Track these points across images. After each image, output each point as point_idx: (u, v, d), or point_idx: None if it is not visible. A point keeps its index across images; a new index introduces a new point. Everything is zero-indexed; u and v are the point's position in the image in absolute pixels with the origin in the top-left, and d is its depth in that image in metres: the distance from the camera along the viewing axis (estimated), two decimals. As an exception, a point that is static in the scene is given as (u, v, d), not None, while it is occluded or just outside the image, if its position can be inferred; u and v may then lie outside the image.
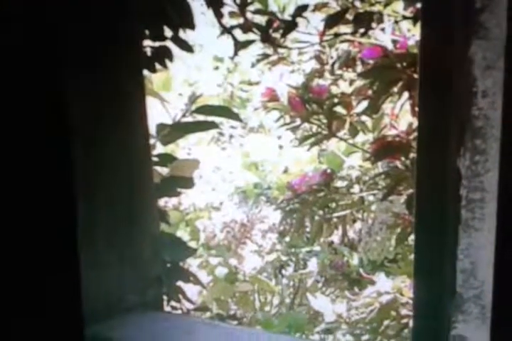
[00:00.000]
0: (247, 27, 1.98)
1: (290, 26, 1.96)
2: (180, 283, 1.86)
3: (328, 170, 2.50)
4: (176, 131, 1.86)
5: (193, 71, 3.80)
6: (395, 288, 2.21)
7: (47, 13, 0.79)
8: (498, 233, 1.06)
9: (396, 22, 1.95)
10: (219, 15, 1.81)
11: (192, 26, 1.75)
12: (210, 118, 1.88)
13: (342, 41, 2.18)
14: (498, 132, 1.09)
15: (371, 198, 2.53)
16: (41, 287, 0.78)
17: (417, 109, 1.31)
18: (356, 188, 2.51)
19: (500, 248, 1.05)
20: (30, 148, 0.79)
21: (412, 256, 1.64)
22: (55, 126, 0.81)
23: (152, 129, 1.78)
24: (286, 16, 2.03)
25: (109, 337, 1.50)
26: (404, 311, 2.19)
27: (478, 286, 1.18)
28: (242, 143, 4.07)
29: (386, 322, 2.27)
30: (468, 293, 1.19)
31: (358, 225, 2.84)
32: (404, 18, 1.94)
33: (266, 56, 2.42)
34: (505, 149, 1.03)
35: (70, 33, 1.39)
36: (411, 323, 1.43)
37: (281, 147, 3.82)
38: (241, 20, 1.99)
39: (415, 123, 1.78)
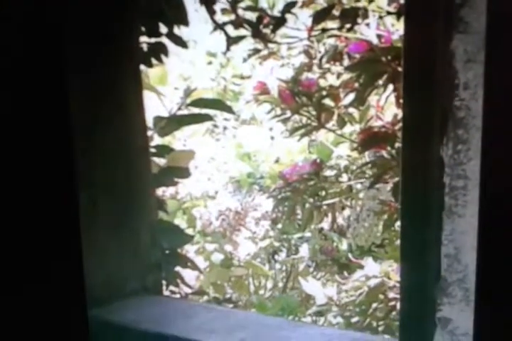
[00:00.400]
0: (238, 23, 1.98)
1: (279, 22, 1.95)
2: (178, 269, 1.86)
3: (318, 160, 2.50)
4: (172, 123, 1.86)
5: (188, 66, 3.79)
6: (382, 272, 2.22)
7: (47, 11, 0.78)
8: (480, 219, 1.06)
9: (380, 17, 1.94)
10: (211, 12, 1.81)
11: (186, 23, 1.75)
12: (204, 111, 1.88)
13: (329, 36, 2.17)
14: (480, 122, 1.09)
15: (359, 186, 2.53)
16: (46, 273, 0.78)
17: (401, 100, 1.31)
18: (344, 177, 2.51)
19: (483, 233, 1.05)
20: (33, 140, 0.79)
21: (398, 242, 1.65)
22: (56, 117, 0.80)
23: (149, 122, 1.78)
24: (276, 12, 2.03)
25: (111, 320, 1.50)
26: (391, 294, 2.19)
27: (462, 270, 1.18)
28: (235, 135, 4.07)
29: (374, 305, 2.27)
30: (453, 276, 1.19)
31: (346, 212, 2.84)
32: (389, 13, 1.94)
33: (257, 51, 2.42)
34: (487, 138, 1.02)
35: (69, 30, 1.39)
36: (398, 306, 1.43)
37: (272, 138, 3.81)
38: (232, 17, 1.99)
39: (400, 115, 1.78)
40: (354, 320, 2.35)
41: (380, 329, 2.29)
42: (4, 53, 0.74)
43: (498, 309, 1.03)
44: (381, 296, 2.22)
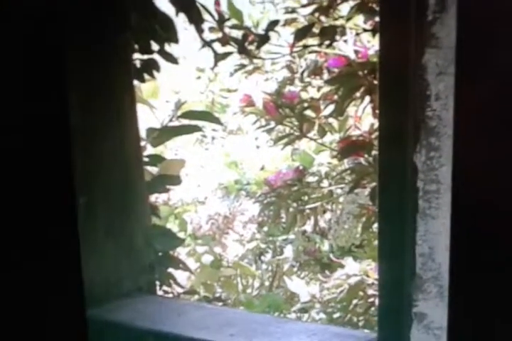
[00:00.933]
0: (225, 40, 1.98)
1: (263, 39, 1.96)
2: (170, 270, 1.85)
3: (301, 167, 2.51)
4: (164, 134, 1.86)
5: (178, 80, 3.78)
6: (361, 270, 2.22)
7: (47, 33, 0.78)
8: (452, 220, 1.06)
9: (357, 34, 1.95)
10: (200, 31, 1.81)
11: (176, 40, 1.75)
12: (194, 122, 1.88)
13: (310, 52, 2.18)
14: (451, 130, 1.09)
15: (339, 191, 2.53)
16: (45, 274, 0.77)
17: (377, 111, 1.31)
18: (325, 183, 2.51)
19: (455, 234, 1.05)
20: (35, 148, 0.79)
21: (376, 242, 1.64)
22: (57, 127, 0.80)
23: (143, 132, 1.77)
24: (260, 30, 2.03)
25: (107, 318, 1.49)
26: (370, 291, 2.19)
27: (436, 268, 1.18)
28: (223, 144, 4.07)
29: (355, 301, 2.27)
30: (427, 274, 1.19)
31: (327, 215, 2.84)
32: (365, 30, 1.95)
33: (242, 66, 2.42)
34: (457, 146, 1.02)
35: (69, 48, 1.38)
36: (377, 302, 1.43)
37: (258, 147, 3.81)
38: (219, 35, 1.99)
39: (376, 124, 1.78)
40: (336, 315, 2.34)
41: (360, 324, 2.29)
42: (7, 70, 0.74)
43: (470, 304, 1.03)
44: (361, 293, 2.22)
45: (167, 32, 1.72)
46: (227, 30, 2.00)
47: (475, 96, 0.92)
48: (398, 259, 1.21)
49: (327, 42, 1.97)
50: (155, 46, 1.75)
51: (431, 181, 1.17)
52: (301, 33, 1.97)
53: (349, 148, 2.03)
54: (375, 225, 2.16)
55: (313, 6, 1.98)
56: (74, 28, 1.43)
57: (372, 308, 2.18)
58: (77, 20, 1.45)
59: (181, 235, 2.78)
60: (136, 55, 1.73)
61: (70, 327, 0.79)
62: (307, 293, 2.52)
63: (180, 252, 2.73)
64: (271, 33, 1.94)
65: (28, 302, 0.77)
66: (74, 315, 0.78)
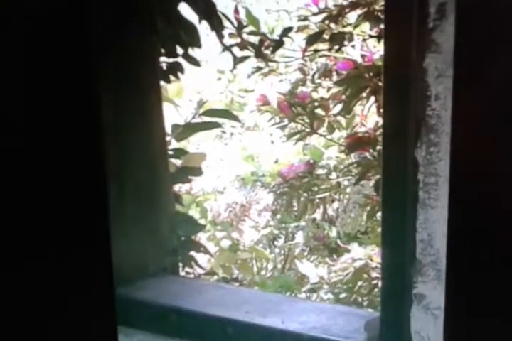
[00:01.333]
0: (243, 45, 1.98)
1: (278, 44, 1.95)
2: (192, 253, 1.86)
3: (311, 161, 2.50)
4: (187, 130, 1.86)
5: (200, 81, 3.78)
6: (366, 255, 2.21)
7: (80, 37, 0.78)
8: (449, 210, 1.05)
9: (364, 40, 1.94)
10: (220, 37, 1.81)
11: (199, 45, 1.75)
12: (214, 120, 1.88)
13: (320, 56, 2.17)
14: (449, 128, 1.08)
15: (346, 183, 2.52)
16: (79, 256, 0.78)
17: (381, 110, 1.30)
18: (334, 175, 2.51)
19: (452, 222, 1.04)
20: (73, 141, 0.79)
21: (379, 229, 1.64)
22: (91, 123, 0.80)
23: (168, 129, 1.78)
24: (275, 36, 2.02)
25: (135, 297, 1.50)
26: (374, 274, 2.19)
27: (434, 253, 1.18)
28: (240, 139, 4.06)
29: (359, 283, 2.26)
30: (426, 259, 1.18)
31: (335, 204, 2.83)
32: (371, 36, 1.93)
33: (259, 69, 2.42)
34: (455, 142, 1.02)
35: (103, 53, 1.39)
36: (380, 284, 1.42)
37: (272, 142, 3.81)
38: (238, 40, 1.98)
39: (380, 122, 1.77)
40: (342, 296, 2.34)
41: (365, 304, 2.28)
42: (43, 72, 0.74)
43: (466, 287, 1.02)
44: (365, 276, 2.21)
45: (191, 37, 1.72)
46: (245, 36, 2.00)
47: (471, 96, 0.91)
48: (400, 245, 1.21)
49: (336, 47, 1.96)
50: (180, 50, 1.75)
51: (430, 174, 1.16)
52: (313, 39, 1.97)
53: (355, 143, 2.03)
54: (379, 214, 2.15)
55: (324, 15, 1.97)
56: (105, 32, 1.43)
57: (376, 289, 2.18)
58: (109, 26, 1.45)
59: (202, 221, 2.79)
60: (163, 59, 1.73)
61: (101, 304, 0.80)
62: (316, 275, 2.52)
63: (201, 237, 2.74)
64: (285, 39, 1.93)
65: (66, 281, 0.77)
66: (104, 293, 0.79)
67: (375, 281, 2.16)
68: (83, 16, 0.76)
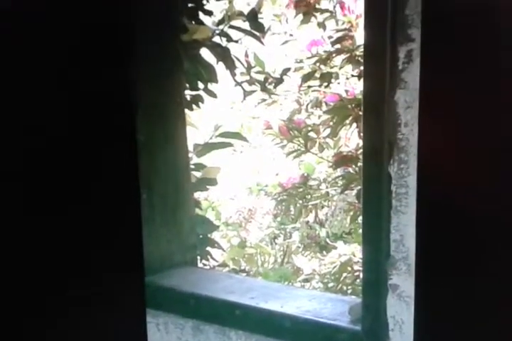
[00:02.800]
0: (251, 82, 1.99)
1: (279, 81, 1.97)
2: (208, 248, 1.85)
3: (305, 174, 2.50)
4: (205, 148, 1.87)
5: (217, 109, 3.80)
6: (350, 251, 2.20)
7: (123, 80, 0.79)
8: (417, 215, 1.05)
9: (347, 78, 1.95)
10: (233, 74, 1.82)
11: (216, 81, 1.77)
12: (227, 140, 1.89)
13: (313, 91, 2.18)
14: (415, 149, 1.09)
15: (333, 192, 2.52)
16: (116, 250, 0.78)
17: (361, 134, 1.31)
18: (323, 186, 2.50)
19: (419, 225, 1.04)
20: (113, 156, 0.80)
21: (360, 231, 1.63)
22: (128, 142, 0.81)
23: (190, 147, 1.79)
24: (277, 75, 2.04)
25: (161, 284, 1.49)
26: (356, 267, 2.17)
27: (405, 251, 1.17)
28: (248, 156, 4.07)
29: (344, 274, 2.25)
30: (399, 255, 1.18)
31: (325, 210, 2.82)
32: (353, 76, 1.95)
33: (264, 100, 2.43)
34: (420, 160, 1.02)
35: (140, 90, 1.40)
36: (361, 275, 1.41)
37: (274, 159, 3.81)
38: (247, 78, 2.00)
39: (361, 144, 1.78)
40: (330, 285, 2.32)
41: (349, 291, 2.27)
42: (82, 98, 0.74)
43: (432, 278, 1.02)
44: (349, 268, 2.20)
45: (210, 75, 1.74)
46: (253, 74, 2.02)
47: (433, 124, 0.92)
48: (377, 244, 1.20)
49: (325, 83, 1.98)
50: (201, 85, 1.76)
51: (401, 186, 1.16)
52: (307, 77, 1.98)
53: (341, 160, 2.03)
54: (360, 218, 2.14)
55: (315, 58, 1.99)
56: (145, 71, 1.45)
57: (358, 280, 2.16)
58: (148, 67, 1.47)
59: (216, 223, 2.79)
60: (187, 92, 1.75)
61: (133, 289, 0.80)
62: (309, 267, 2.51)
63: (216, 235, 2.73)
64: (284, 77, 1.95)
65: (109, 270, 0.78)
66: (136, 280, 0.79)
67: (357, 273, 2.15)
68: (128, 62, 0.77)
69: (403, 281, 1.18)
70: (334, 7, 1.90)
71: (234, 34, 1.80)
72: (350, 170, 2.00)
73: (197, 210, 1.81)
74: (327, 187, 2.47)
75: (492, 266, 0.96)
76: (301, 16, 1.95)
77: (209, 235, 1.90)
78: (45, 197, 0.68)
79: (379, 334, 1.21)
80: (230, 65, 1.78)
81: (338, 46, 1.91)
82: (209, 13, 1.73)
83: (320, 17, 1.94)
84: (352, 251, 2.18)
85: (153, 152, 1.54)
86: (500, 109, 0.82)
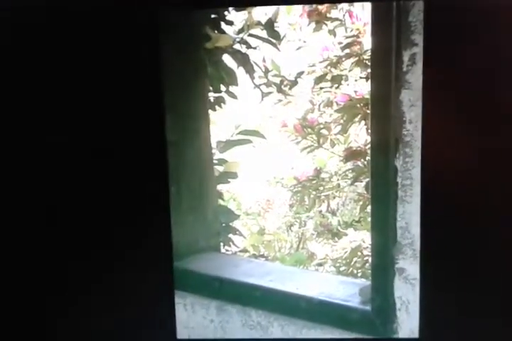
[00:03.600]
0: (268, 84, 1.99)
1: (293, 83, 1.96)
2: (230, 235, 1.86)
3: (318, 168, 2.49)
4: (227, 145, 1.87)
5: (237, 110, 3.79)
6: (360, 238, 2.19)
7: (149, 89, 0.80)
8: (421, 204, 1.05)
9: (356, 80, 1.94)
10: (252, 78, 1.82)
11: (237, 84, 1.77)
12: (247, 138, 1.89)
13: (324, 92, 2.16)
14: (419, 144, 1.08)
15: (344, 184, 2.50)
16: (149, 237, 0.80)
17: (369, 131, 1.30)
18: (334, 178, 2.49)
19: (423, 213, 1.03)
20: (146, 154, 0.81)
21: (369, 219, 1.62)
22: (157, 141, 0.82)
23: (214, 144, 1.79)
24: (291, 78, 2.03)
25: (187, 268, 1.50)
26: (365, 252, 2.16)
27: (411, 237, 1.17)
28: (266, 152, 4.05)
29: (355, 259, 2.23)
30: (405, 241, 1.17)
31: (336, 200, 2.80)
32: (361, 78, 1.93)
33: (280, 100, 2.42)
34: (424, 154, 1.01)
35: (167, 97, 1.41)
36: (370, 260, 1.41)
37: (289, 154, 3.79)
38: (265, 80, 1.99)
39: (369, 139, 1.76)
40: (342, 269, 2.31)
41: (359, 275, 2.25)
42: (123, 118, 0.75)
43: (435, 262, 1.01)
44: (359, 253, 2.19)
45: (231, 79, 1.75)
46: (270, 77, 2.02)
47: (435, 121, 0.91)
48: (384, 231, 1.20)
49: (336, 85, 1.96)
50: (223, 88, 1.77)
51: (406, 178, 1.16)
52: (319, 80, 1.97)
53: (351, 155, 2.02)
54: (369, 207, 2.13)
55: (327, 62, 1.98)
56: (172, 76, 1.45)
57: (367, 264, 2.15)
58: (175, 72, 1.47)
59: (237, 212, 2.79)
60: (211, 94, 1.76)
61: (162, 273, 0.81)
62: (322, 253, 2.50)
63: (237, 224, 2.74)
64: (299, 79, 1.94)
65: (143, 257, 0.79)
66: (165, 265, 0.80)
67: (366, 258, 2.13)
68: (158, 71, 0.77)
69: (409, 265, 1.18)
70: (343, 16, 1.88)
71: (253, 41, 1.80)
72: (359, 163, 1.99)
73: (220, 201, 1.82)
74: (338, 180, 2.45)
75: (492, 249, 0.95)
76: (313, 24, 1.94)
77: (231, 223, 1.90)
78: (94, 188, 0.69)
79: (387, 314, 1.21)
80: (249, 70, 1.79)
81: (347, 51, 1.90)
82: (230, 23, 1.74)
83: (331, 25, 1.93)
84: (361, 237, 2.17)
85: (181, 149, 1.55)
86: (495, 105, 0.81)
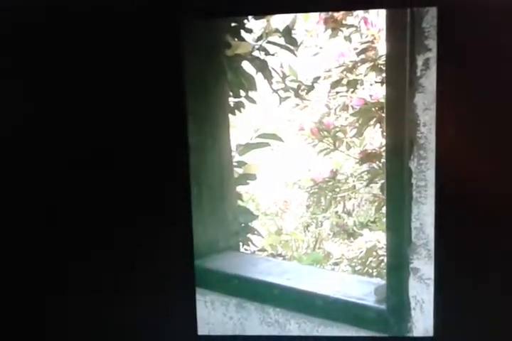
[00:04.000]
0: (286, 89, 1.99)
1: (310, 88, 1.96)
2: (249, 235, 1.86)
3: (334, 170, 2.47)
4: (246, 148, 1.88)
5: (256, 114, 3.80)
6: (375, 238, 2.17)
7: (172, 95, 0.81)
8: (435, 205, 1.03)
9: (371, 84, 1.92)
10: (270, 83, 1.83)
11: (255, 89, 1.77)
12: (265, 141, 1.89)
13: (340, 96, 2.15)
14: (433, 146, 1.07)
15: (359, 185, 2.48)
16: (172, 237, 0.80)
17: (384, 133, 1.29)
18: (350, 180, 2.47)
19: (437, 214, 1.02)
20: (169, 158, 0.82)
21: (384, 220, 1.61)
22: (180, 144, 0.83)
23: (233, 147, 1.80)
24: (308, 83, 2.03)
25: (207, 267, 1.51)
26: (381, 252, 2.14)
27: (425, 238, 1.16)
28: (284, 155, 4.05)
29: (370, 259, 2.22)
30: (419, 241, 1.16)
31: (352, 201, 2.78)
32: (376, 82, 1.91)
33: (297, 105, 2.41)
34: (438, 156, 1.00)
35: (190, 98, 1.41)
36: (385, 260, 1.40)
37: (306, 156, 3.78)
38: (282, 85, 1.99)
39: (384, 142, 1.75)
40: (357, 268, 2.30)
41: (374, 274, 2.23)
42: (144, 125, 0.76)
43: (449, 262, 1.00)
44: (374, 253, 2.17)
45: (250, 84, 1.76)
46: (287, 82, 2.02)
47: (449, 124, 0.90)
48: (399, 231, 1.19)
49: (351, 89, 1.95)
50: (242, 93, 1.78)
51: (421, 179, 1.15)
52: (335, 84, 1.96)
53: (366, 157, 2.00)
54: (384, 208, 2.11)
55: (343, 67, 1.97)
56: (194, 82, 1.46)
57: (382, 264, 2.13)
58: (197, 79, 1.49)
59: (256, 213, 2.79)
60: (231, 99, 1.76)
61: (184, 272, 0.82)
62: (338, 252, 2.48)
63: (255, 224, 2.74)
64: (315, 84, 1.94)
65: (160, 256, 0.79)
66: (186, 264, 0.81)
67: (381, 258, 2.11)
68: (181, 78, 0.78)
69: (423, 265, 1.17)
70: (359, 22, 1.88)
71: (271, 48, 1.81)
72: (375, 165, 1.97)
73: (239, 202, 1.82)
74: (354, 181, 2.43)
75: (505, 249, 0.93)
76: (329, 31, 1.94)
77: (250, 223, 1.91)
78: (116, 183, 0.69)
79: (402, 313, 1.20)
80: (268, 75, 1.79)
81: (362, 56, 1.89)
82: (249, 30, 1.75)
83: (346, 31, 1.92)
84: (377, 238, 2.15)
85: (202, 152, 1.56)
86: (508, 108, 0.80)
